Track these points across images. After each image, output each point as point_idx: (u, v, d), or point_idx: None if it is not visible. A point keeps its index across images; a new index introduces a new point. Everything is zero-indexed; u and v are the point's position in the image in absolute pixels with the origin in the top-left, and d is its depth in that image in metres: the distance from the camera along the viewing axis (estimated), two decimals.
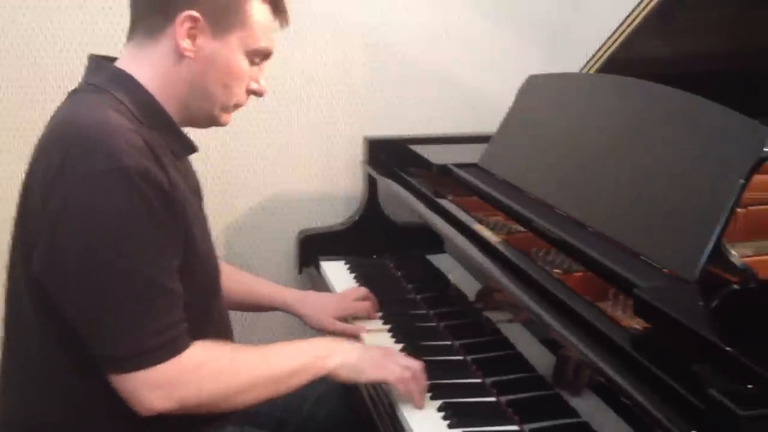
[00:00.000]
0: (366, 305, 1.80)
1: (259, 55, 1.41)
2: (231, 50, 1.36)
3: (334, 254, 2.22)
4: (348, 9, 2.37)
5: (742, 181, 1.17)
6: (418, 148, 2.14)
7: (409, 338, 1.68)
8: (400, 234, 2.24)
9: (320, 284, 2.10)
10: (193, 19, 1.33)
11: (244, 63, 1.39)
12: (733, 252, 1.18)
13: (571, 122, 1.67)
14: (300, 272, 2.31)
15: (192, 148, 1.45)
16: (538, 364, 1.41)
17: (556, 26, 2.49)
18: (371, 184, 2.28)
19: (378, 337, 1.71)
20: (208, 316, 1.41)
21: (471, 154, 1.94)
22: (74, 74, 1.46)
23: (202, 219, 1.44)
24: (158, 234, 1.25)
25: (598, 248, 1.33)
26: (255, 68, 1.42)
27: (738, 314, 1.13)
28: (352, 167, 2.42)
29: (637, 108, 1.51)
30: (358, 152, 2.35)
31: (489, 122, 1.99)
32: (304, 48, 2.35)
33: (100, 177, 1.20)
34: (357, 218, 2.31)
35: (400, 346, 1.65)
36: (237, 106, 1.44)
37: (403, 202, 2.00)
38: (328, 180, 2.45)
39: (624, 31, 1.87)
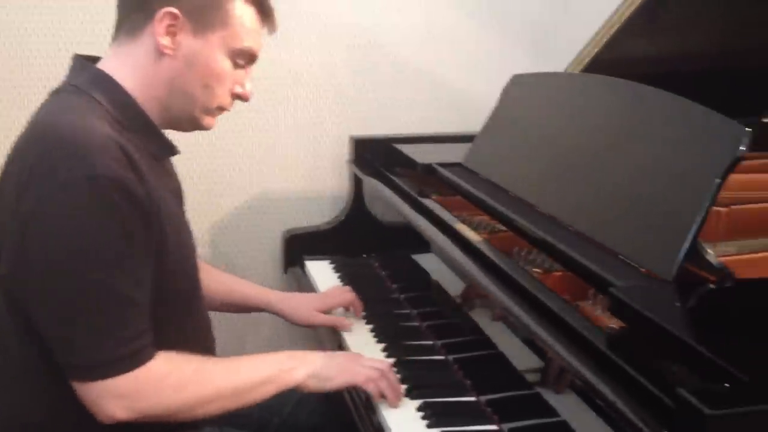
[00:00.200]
0: (349, 296, 1.80)
1: (242, 57, 1.40)
2: (212, 49, 1.36)
3: (319, 254, 2.22)
4: (334, 10, 2.37)
5: (718, 180, 1.17)
6: (404, 148, 2.14)
7: (391, 338, 1.68)
8: (386, 234, 2.24)
9: (305, 284, 2.10)
10: (173, 16, 1.33)
11: (225, 63, 1.38)
12: (710, 251, 1.18)
13: (554, 121, 1.67)
14: (285, 272, 2.30)
15: (172, 150, 1.44)
16: (519, 363, 1.42)
17: (541, 27, 2.49)
18: (357, 184, 2.28)
19: (360, 336, 1.71)
20: (187, 318, 1.41)
21: (457, 153, 1.93)
22: None
23: (181, 222, 1.43)
24: (128, 244, 1.24)
25: (578, 248, 1.33)
26: (240, 72, 1.41)
27: (713, 313, 1.13)
28: (339, 167, 2.42)
29: (618, 108, 1.51)
30: (345, 152, 2.34)
31: (475, 122, 1.99)
32: (291, 48, 2.35)
33: (73, 184, 1.19)
34: (343, 218, 2.31)
35: (381, 345, 1.65)
36: (220, 109, 1.42)
37: (387, 202, 2.00)
38: (315, 180, 2.45)
39: (608, 31, 1.87)
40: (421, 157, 2.01)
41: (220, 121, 1.46)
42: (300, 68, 2.38)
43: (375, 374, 1.42)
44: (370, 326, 1.75)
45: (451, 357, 1.60)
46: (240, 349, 2.43)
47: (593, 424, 1.15)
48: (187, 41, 1.34)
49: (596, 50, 1.89)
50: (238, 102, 1.45)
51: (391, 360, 1.55)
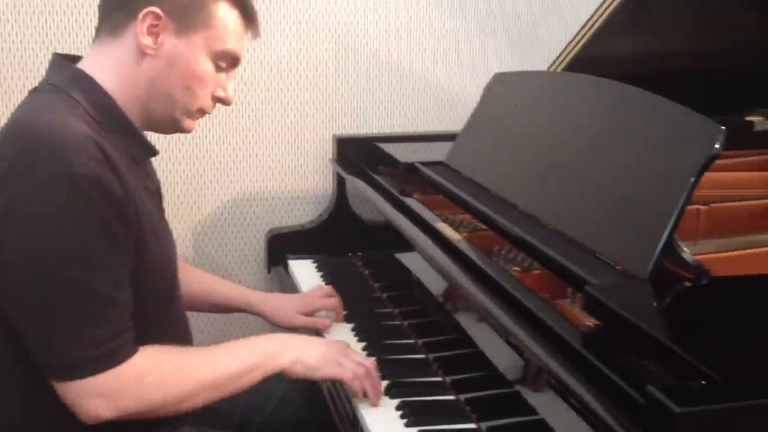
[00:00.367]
0: (332, 302, 1.80)
1: (225, 60, 1.39)
2: (194, 50, 1.35)
3: (303, 253, 2.21)
4: (317, 9, 2.37)
5: (692, 179, 1.17)
6: (386, 147, 2.13)
7: (372, 337, 1.68)
8: (370, 233, 2.24)
9: (288, 283, 2.10)
10: (156, 15, 1.32)
11: (207, 65, 1.37)
12: (686, 249, 1.19)
13: (535, 120, 1.67)
14: (269, 271, 2.30)
15: (152, 151, 1.44)
16: (498, 362, 1.42)
17: (524, 25, 2.49)
18: (340, 183, 2.28)
19: (341, 335, 1.70)
20: (164, 317, 1.41)
21: (440, 152, 1.93)
22: None
23: (160, 222, 1.43)
24: (106, 242, 1.23)
25: (556, 246, 1.33)
26: (222, 75, 1.41)
27: (689, 311, 1.14)
28: (322, 166, 2.42)
29: (600, 107, 1.51)
30: (328, 151, 2.34)
31: (458, 121, 1.99)
32: (274, 48, 2.34)
33: (50, 182, 1.19)
34: (326, 217, 2.30)
35: (362, 344, 1.65)
36: (201, 111, 1.42)
37: (369, 201, 2.00)
38: (298, 179, 2.44)
39: (589, 30, 1.88)
40: (403, 156, 2.01)
41: (204, 120, 1.46)
42: (283, 68, 2.38)
43: (361, 372, 1.42)
44: (351, 325, 1.75)
45: (431, 356, 1.60)
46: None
47: (572, 422, 1.15)
48: (170, 41, 1.34)
49: (578, 49, 1.90)
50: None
51: (372, 359, 1.55)
